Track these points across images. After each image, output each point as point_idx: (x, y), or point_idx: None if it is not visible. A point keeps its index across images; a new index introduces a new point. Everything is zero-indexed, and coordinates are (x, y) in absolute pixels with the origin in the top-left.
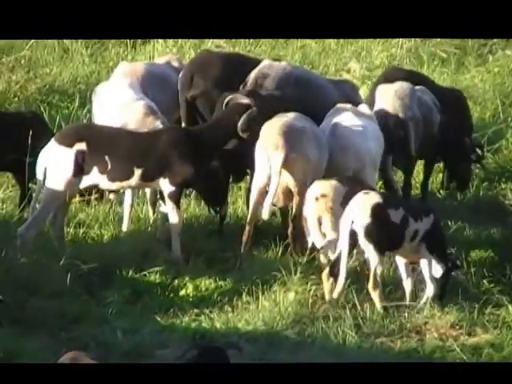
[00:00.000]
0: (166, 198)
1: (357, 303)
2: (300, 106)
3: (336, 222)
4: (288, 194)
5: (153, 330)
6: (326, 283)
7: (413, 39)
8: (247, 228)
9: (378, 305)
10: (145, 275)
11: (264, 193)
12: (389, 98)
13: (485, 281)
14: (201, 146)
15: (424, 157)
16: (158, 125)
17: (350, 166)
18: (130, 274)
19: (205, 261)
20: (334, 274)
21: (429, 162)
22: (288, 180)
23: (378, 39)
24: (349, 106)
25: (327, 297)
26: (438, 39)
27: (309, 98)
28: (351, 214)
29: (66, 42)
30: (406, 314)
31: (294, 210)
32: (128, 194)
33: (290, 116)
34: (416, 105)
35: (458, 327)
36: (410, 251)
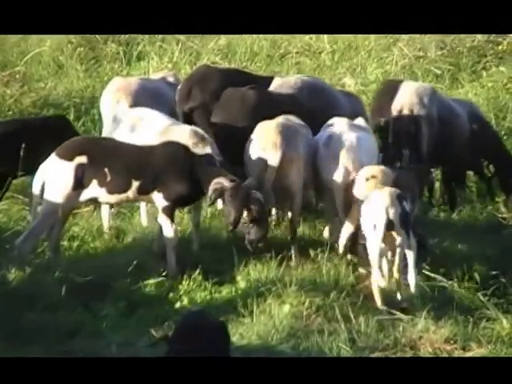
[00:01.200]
0: (160, 212)
1: (351, 317)
2: (315, 114)
3: None
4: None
5: (148, 343)
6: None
7: (407, 57)
8: None
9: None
10: (140, 288)
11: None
12: (408, 93)
13: (479, 294)
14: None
15: (440, 164)
16: (207, 150)
17: None
18: (126, 286)
19: (200, 273)
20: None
21: (447, 171)
22: (285, 179)
23: (372, 57)
24: (344, 119)
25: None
26: (432, 57)
27: (323, 105)
28: (382, 211)
29: (61, 57)
30: (401, 328)
31: (292, 210)
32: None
33: (280, 117)
34: (435, 106)
35: (452, 341)
36: None
